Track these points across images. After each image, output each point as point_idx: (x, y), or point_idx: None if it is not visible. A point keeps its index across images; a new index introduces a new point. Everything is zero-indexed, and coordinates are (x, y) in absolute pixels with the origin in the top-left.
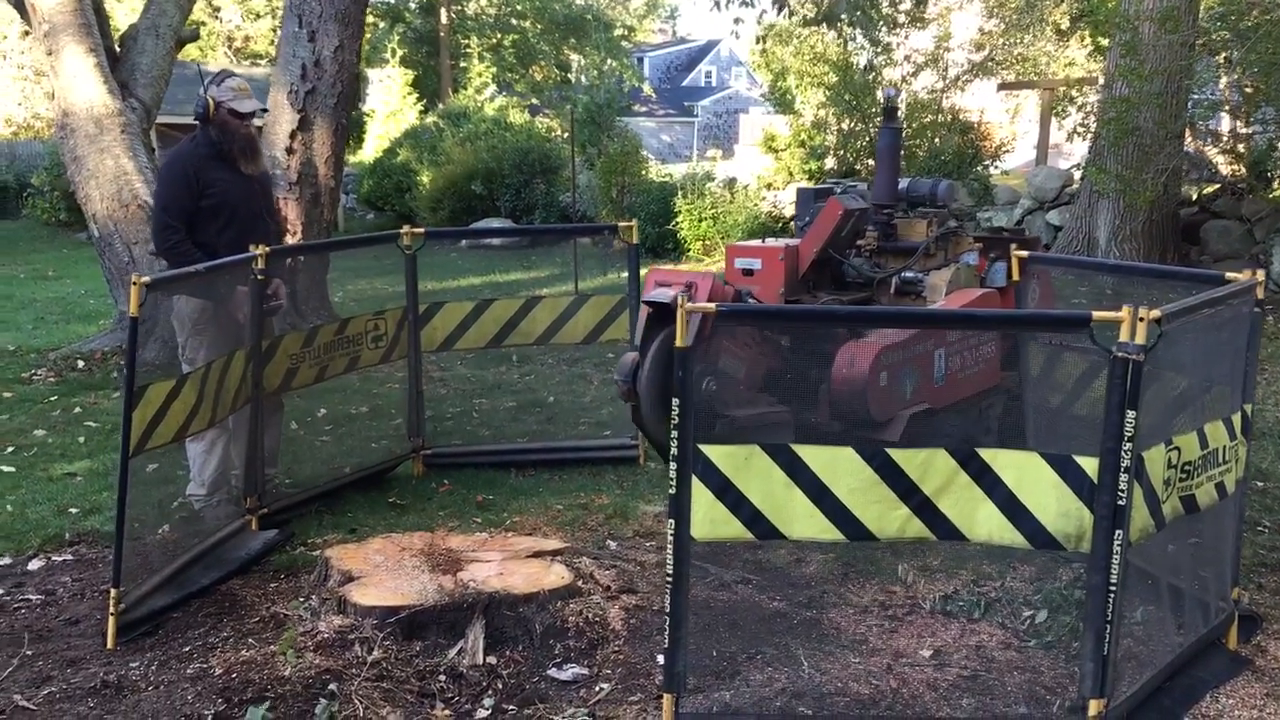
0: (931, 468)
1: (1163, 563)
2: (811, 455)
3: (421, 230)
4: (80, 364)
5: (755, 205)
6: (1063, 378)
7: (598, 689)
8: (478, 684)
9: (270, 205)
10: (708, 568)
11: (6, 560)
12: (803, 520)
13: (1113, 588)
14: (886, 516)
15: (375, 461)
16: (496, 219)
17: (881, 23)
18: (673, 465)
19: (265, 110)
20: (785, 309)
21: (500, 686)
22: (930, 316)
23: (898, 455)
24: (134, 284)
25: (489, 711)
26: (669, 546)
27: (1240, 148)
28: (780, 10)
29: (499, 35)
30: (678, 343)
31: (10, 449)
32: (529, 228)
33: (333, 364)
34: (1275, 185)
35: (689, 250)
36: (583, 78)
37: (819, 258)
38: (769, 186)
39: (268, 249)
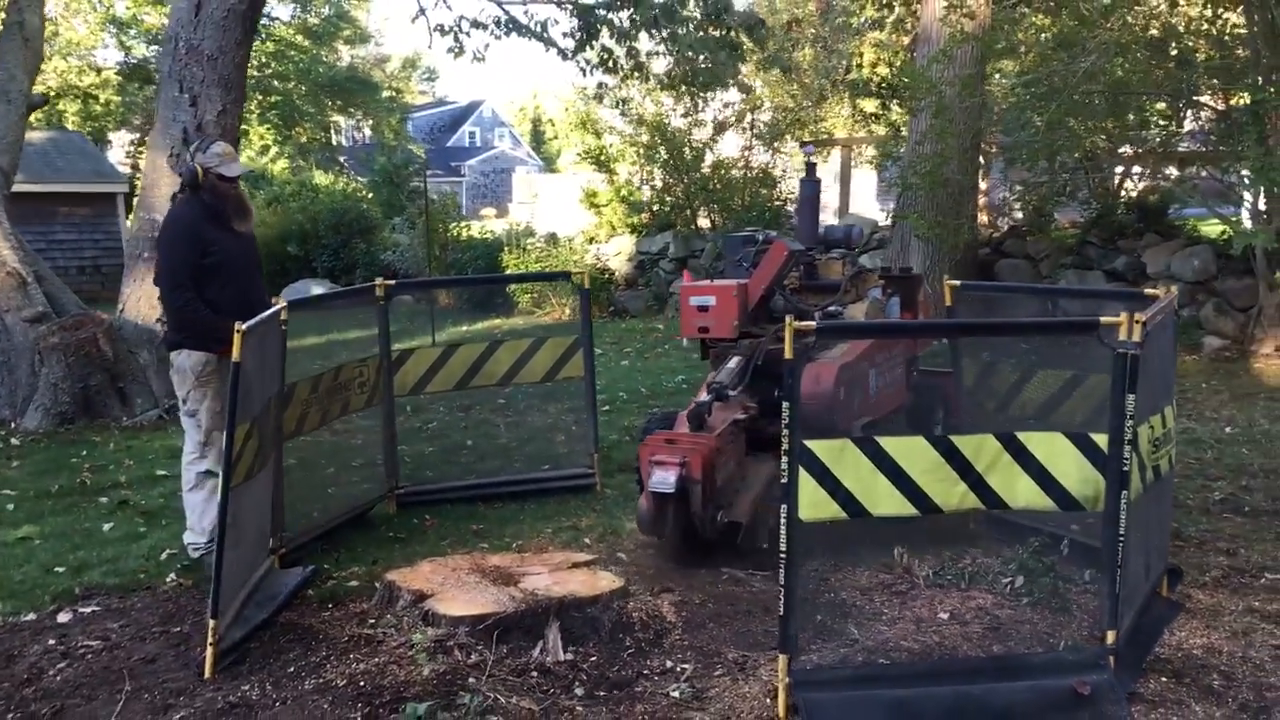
0: (982, 449)
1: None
2: (890, 444)
3: (392, 280)
4: None
5: (580, 258)
6: (999, 385)
7: (681, 669)
8: (564, 677)
9: (259, 262)
10: (723, 570)
11: (31, 616)
12: (885, 500)
13: (1121, 538)
14: (949, 492)
15: (356, 503)
16: (314, 280)
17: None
18: (784, 460)
19: (251, 172)
20: (871, 324)
21: (584, 677)
22: (979, 326)
23: (957, 440)
24: (236, 332)
25: (587, 693)
26: (782, 528)
27: (1021, 198)
28: (642, 77)
29: (261, 96)
30: (787, 355)
31: None
32: (486, 277)
33: (330, 409)
34: (1052, 226)
35: (518, 304)
36: (342, 139)
37: (765, 294)
38: (592, 240)
39: (284, 303)
